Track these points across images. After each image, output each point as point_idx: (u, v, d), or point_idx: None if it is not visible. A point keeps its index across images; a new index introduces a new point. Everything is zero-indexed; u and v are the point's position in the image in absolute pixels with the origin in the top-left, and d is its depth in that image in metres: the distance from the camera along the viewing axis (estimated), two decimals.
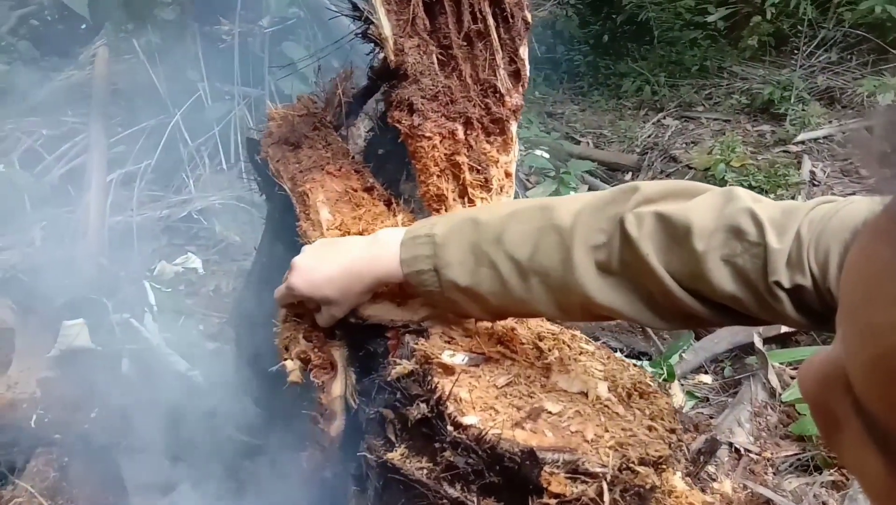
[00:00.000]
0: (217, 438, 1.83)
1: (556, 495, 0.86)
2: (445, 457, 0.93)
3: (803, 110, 5.25)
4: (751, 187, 4.56)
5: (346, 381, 1.18)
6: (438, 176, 1.14)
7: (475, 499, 0.92)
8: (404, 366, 1.02)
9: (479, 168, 1.14)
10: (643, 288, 0.91)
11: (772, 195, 4.51)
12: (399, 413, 1.02)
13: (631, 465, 0.90)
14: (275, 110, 1.54)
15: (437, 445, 0.94)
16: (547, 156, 3.72)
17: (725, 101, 5.87)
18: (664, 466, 0.97)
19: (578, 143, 5.28)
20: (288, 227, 1.48)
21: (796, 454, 2.39)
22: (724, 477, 2.19)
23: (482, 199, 1.15)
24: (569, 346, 1.16)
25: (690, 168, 4.89)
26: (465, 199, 1.16)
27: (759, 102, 5.53)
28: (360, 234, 1.21)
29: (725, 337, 2.98)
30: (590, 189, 4.32)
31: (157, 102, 3.74)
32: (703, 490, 1.67)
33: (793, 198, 4.49)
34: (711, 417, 2.61)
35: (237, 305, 1.87)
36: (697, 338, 2.95)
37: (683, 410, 2.53)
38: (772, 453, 2.39)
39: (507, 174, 1.16)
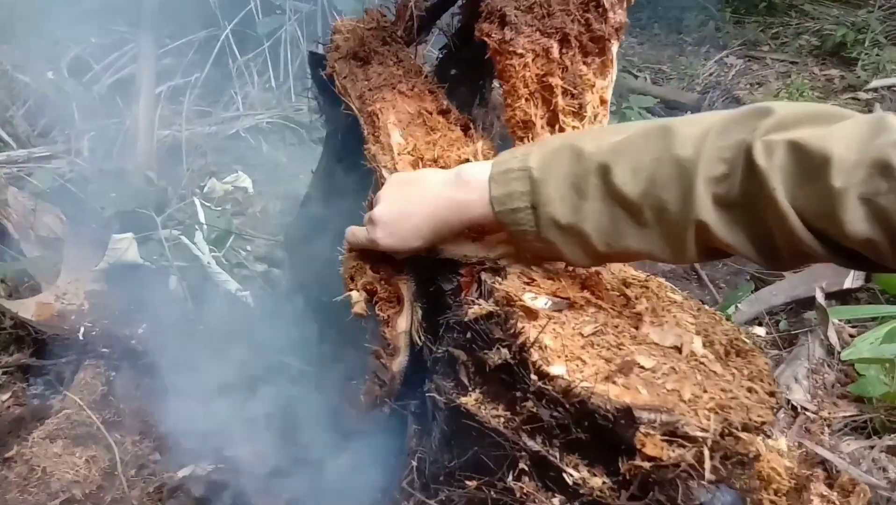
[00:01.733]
0: (266, 362, 1.80)
1: (651, 458, 0.79)
2: (527, 407, 0.86)
3: (878, 55, 4.93)
4: None
5: (413, 316, 1.11)
6: (527, 99, 1.03)
7: (557, 454, 0.85)
8: (483, 306, 0.94)
9: (574, 92, 1.02)
10: (762, 225, 0.80)
11: None
12: (475, 356, 0.95)
13: (734, 430, 0.82)
14: (341, 23, 1.42)
15: (518, 393, 0.87)
16: None
17: (793, 41, 5.54)
18: (766, 432, 0.88)
19: (636, 77, 5.05)
20: (350, 149, 1.39)
21: (854, 416, 2.30)
22: (779, 434, 2.11)
23: (573, 127, 1.04)
24: (657, 294, 1.06)
25: None
26: (556, 128, 1.05)
27: (829, 44, 5.20)
28: (435, 160, 1.11)
29: (784, 289, 2.86)
30: None
31: (207, 14, 3.62)
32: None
33: None
34: None
35: (290, 229, 1.81)
36: (755, 289, 2.83)
37: None
38: (829, 413, 2.30)
39: (603, 101, 1.04)
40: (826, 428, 2.25)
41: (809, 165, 0.75)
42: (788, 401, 2.29)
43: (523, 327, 0.89)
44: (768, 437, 0.88)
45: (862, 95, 4.81)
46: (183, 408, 1.78)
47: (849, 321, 2.71)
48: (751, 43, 5.53)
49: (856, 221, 0.73)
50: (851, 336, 2.65)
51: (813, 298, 2.70)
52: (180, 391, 1.81)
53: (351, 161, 1.36)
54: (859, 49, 4.91)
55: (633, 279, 1.09)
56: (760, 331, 2.84)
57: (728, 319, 2.52)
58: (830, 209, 0.74)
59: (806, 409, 2.30)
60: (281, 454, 1.56)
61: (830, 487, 1.94)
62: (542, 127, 1.04)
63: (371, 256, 1.10)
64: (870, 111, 4.59)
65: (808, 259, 0.81)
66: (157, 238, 2.18)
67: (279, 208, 2.82)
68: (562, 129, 1.05)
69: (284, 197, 2.94)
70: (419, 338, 1.11)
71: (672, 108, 4.60)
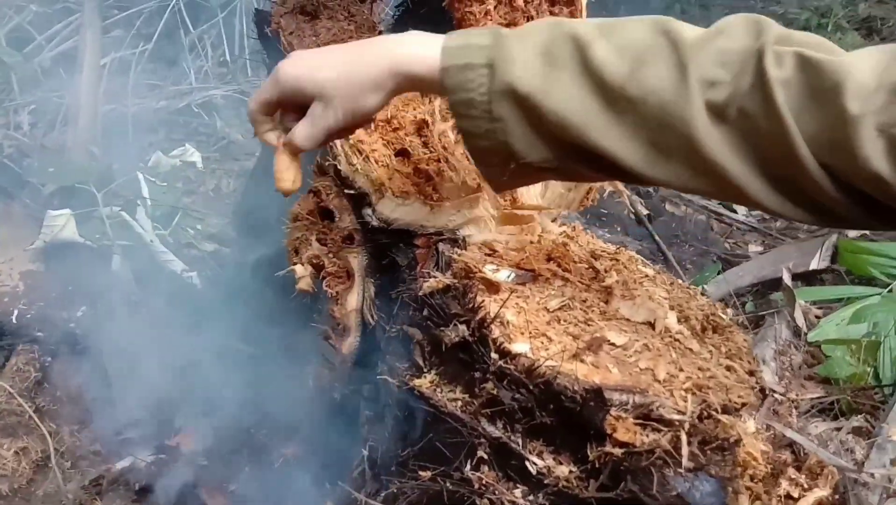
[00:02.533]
0: (212, 345, 1.68)
1: (623, 444, 0.71)
2: (486, 389, 0.77)
3: (840, 38, 4.96)
4: None
5: (364, 293, 1.01)
6: None
7: (520, 440, 0.77)
8: (439, 279, 0.85)
9: None
10: (759, 148, 0.68)
11: None
12: (430, 334, 0.86)
13: (713, 412, 0.74)
14: None
15: (477, 374, 0.78)
16: None
17: None
18: (746, 415, 0.81)
19: None
20: None
21: (821, 397, 2.27)
22: (748, 417, 2.07)
23: None
24: (627, 267, 0.98)
25: None
26: None
27: (793, 28, 5.22)
28: (388, 121, 1.01)
29: (751, 270, 2.83)
30: None
31: None
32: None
33: None
34: None
35: (238, 205, 1.69)
36: (722, 270, 2.80)
37: None
38: (796, 395, 2.27)
39: None
40: (794, 410, 2.22)
41: (821, 85, 0.65)
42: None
43: (483, 301, 0.80)
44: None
45: None
46: (124, 395, 1.66)
47: (815, 302, 2.69)
48: None
49: (871, 153, 0.63)
50: (818, 317, 2.63)
51: (779, 280, 2.67)
52: (121, 377, 1.69)
53: None
54: (822, 33, 4.93)
55: (603, 251, 1.01)
56: (728, 313, 2.81)
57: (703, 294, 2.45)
58: (843, 138, 0.63)
59: (774, 391, 2.27)
60: (227, 442, 1.46)
61: (798, 469, 1.90)
62: None
63: (318, 225, 1.00)
64: None
65: (809, 203, 0.70)
66: (99, 216, 2.04)
67: (233, 186, 2.69)
68: None
69: (239, 174, 2.80)
70: (371, 316, 1.02)
71: None
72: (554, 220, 1.08)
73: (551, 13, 0.94)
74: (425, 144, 0.98)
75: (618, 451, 0.71)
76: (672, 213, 3.26)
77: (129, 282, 1.92)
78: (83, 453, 1.65)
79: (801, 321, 2.59)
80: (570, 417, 0.74)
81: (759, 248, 3.08)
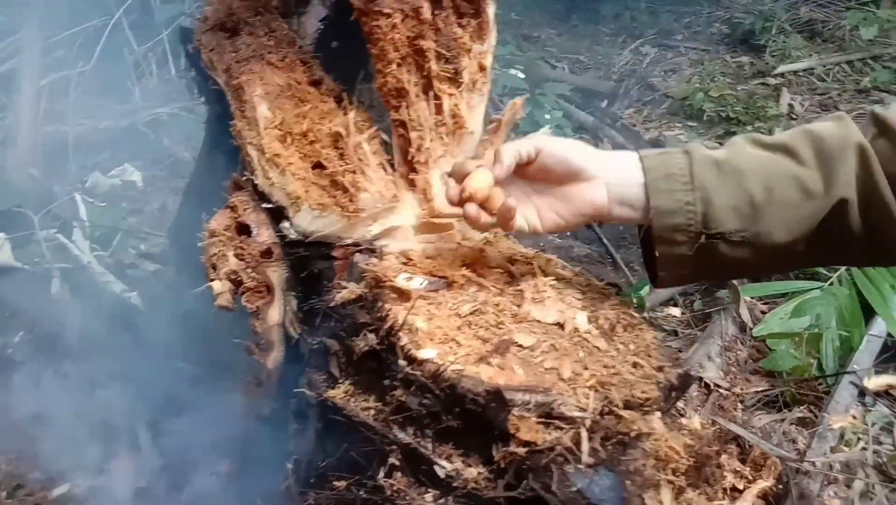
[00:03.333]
0: (152, 365, 1.66)
1: (526, 443, 0.73)
2: (396, 396, 0.78)
3: (784, 42, 5.11)
4: (728, 119, 4.45)
5: (285, 307, 1.02)
6: (399, 65, 0.96)
7: (430, 445, 0.78)
8: (351, 290, 0.86)
9: (448, 56, 0.95)
10: None
11: (749, 127, 4.39)
12: (344, 344, 0.87)
13: (614, 408, 0.76)
14: None
15: (386, 382, 0.79)
16: (522, 76, 3.50)
17: (705, 29, 5.69)
18: (651, 409, 0.83)
19: (555, 67, 5.07)
20: (228, 132, 1.28)
21: (766, 390, 2.32)
22: (692, 413, 2.11)
23: (450, 94, 0.97)
24: (544, 271, 1.00)
25: (668, 97, 4.75)
26: (430, 95, 0.98)
27: (739, 32, 5.37)
28: (304, 134, 1.02)
29: None
30: (565, 115, 4.13)
31: (100, 2, 3.40)
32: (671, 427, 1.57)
33: (770, 131, 4.38)
34: (680, 351, 2.52)
35: (175, 221, 1.68)
36: None
37: None
38: (741, 389, 2.32)
39: (482, 67, 0.98)
40: (739, 404, 2.27)
41: None
42: (702, 379, 2.29)
43: (390, 310, 0.81)
44: (650, 413, 0.82)
45: (770, 81, 4.95)
46: (63, 420, 1.63)
47: (760, 298, 2.75)
48: (665, 32, 5.64)
49: None
50: (763, 312, 2.69)
51: None
52: (60, 403, 1.66)
53: (229, 146, 1.25)
54: (767, 36, 5.07)
55: (520, 256, 1.03)
56: (675, 311, 2.86)
57: (635, 297, 2.49)
58: None
59: (719, 386, 2.31)
60: (165, 463, 1.44)
61: (743, 462, 1.94)
62: (417, 95, 0.97)
63: (235, 240, 1.00)
64: (778, 95, 4.74)
65: None
66: (37, 239, 2.01)
67: (179, 204, 2.66)
68: (437, 98, 0.97)
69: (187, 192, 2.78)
70: (294, 330, 1.02)
71: (589, 96, 4.62)
72: None
73: (459, 26, 0.97)
74: (341, 157, 0.99)
75: (521, 450, 0.73)
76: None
77: (67, 305, 1.89)
78: (21, 481, 1.62)
79: (746, 317, 2.65)
80: (476, 420, 0.75)
81: None
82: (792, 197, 0.83)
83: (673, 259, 0.87)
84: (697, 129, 4.40)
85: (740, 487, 1.85)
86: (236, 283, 1.00)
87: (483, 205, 0.84)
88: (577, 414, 0.74)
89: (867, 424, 2.21)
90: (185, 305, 1.66)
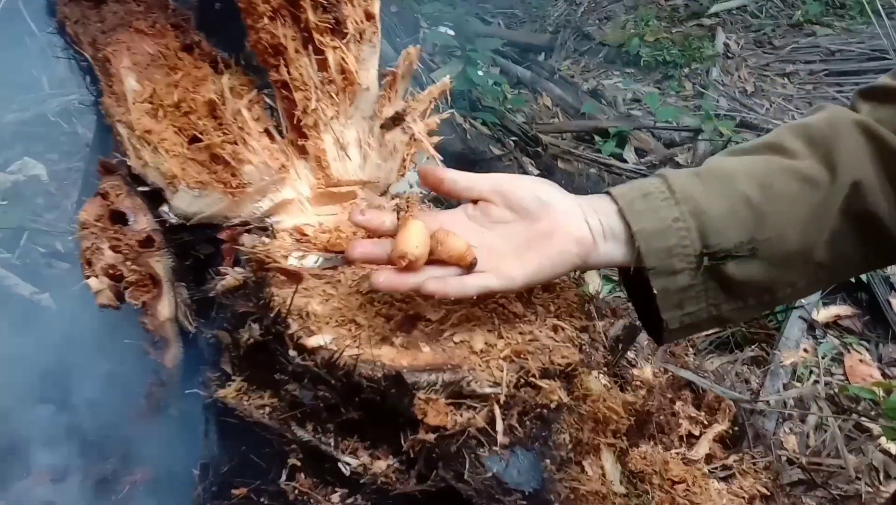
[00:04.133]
0: (66, 367, 1.54)
1: (435, 428, 0.65)
2: (289, 391, 0.70)
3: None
4: (665, 62, 4.41)
5: (176, 299, 0.91)
6: (271, 18, 0.85)
7: (332, 441, 0.69)
8: (233, 276, 0.76)
9: (327, 5, 0.85)
10: None
11: (686, 69, 4.35)
12: (234, 337, 0.78)
13: (531, 378, 0.69)
14: None
15: (277, 376, 0.71)
16: (452, 33, 3.37)
17: None
18: (575, 373, 0.76)
19: (489, 24, 4.94)
20: None
21: (717, 332, 2.31)
22: (643, 362, 2.08)
23: (334, 48, 0.87)
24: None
25: (604, 45, 4.68)
26: (310, 49, 0.87)
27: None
28: (177, 105, 0.91)
29: None
30: (502, 71, 4.03)
31: None
32: (622, 379, 1.53)
33: (707, 71, 4.35)
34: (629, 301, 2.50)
35: (75, 214, 1.55)
36: None
37: (600, 296, 2.40)
38: None
39: (369, 16, 0.88)
40: (690, 349, 2.25)
41: None
42: None
43: (276, 295, 0.72)
44: (575, 377, 0.75)
45: (705, 21, 4.93)
46: None
47: None
48: None
49: None
50: None
51: None
52: None
53: None
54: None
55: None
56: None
57: None
58: None
59: None
60: (81, 475, 1.34)
61: (698, 407, 1.92)
62: (297, 51, 0.86)
63: (109, 230, 0.89)
64: (713, 36, 4.71)
65: None
66: None
67: (78, 195, 2.49)
68: (320, 52, 0.87)
69: None
70: (189, 323, 0.93)
71: (525, 50, 4.52)
72: (383, 194, 1.01)
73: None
74: (220, 127, 0.89)
75: (430, 436, 0.65)
76: (564, 171, 3.25)
77: None
78: None
79: None
80: (379, 408, 0.67)
81: None
82: (793, 190, 0.70)
83: (676, 295, 0.70)
84: (635, 75, 4.35)
85: (696, 432, 1.81)
86: (116, 278, 0.90)
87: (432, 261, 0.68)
88: (489, 390, 0.67)
89: (818, 357, 2.21)
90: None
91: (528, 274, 0.69)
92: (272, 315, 0.71)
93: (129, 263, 0.89)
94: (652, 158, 3.45)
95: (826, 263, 0.72)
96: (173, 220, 0.87)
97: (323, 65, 0.89)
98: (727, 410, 1.79)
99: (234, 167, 0.86)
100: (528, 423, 0.67)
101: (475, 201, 0.74)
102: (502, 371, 0.68)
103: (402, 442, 0.67)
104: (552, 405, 0.68)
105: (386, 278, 0.67)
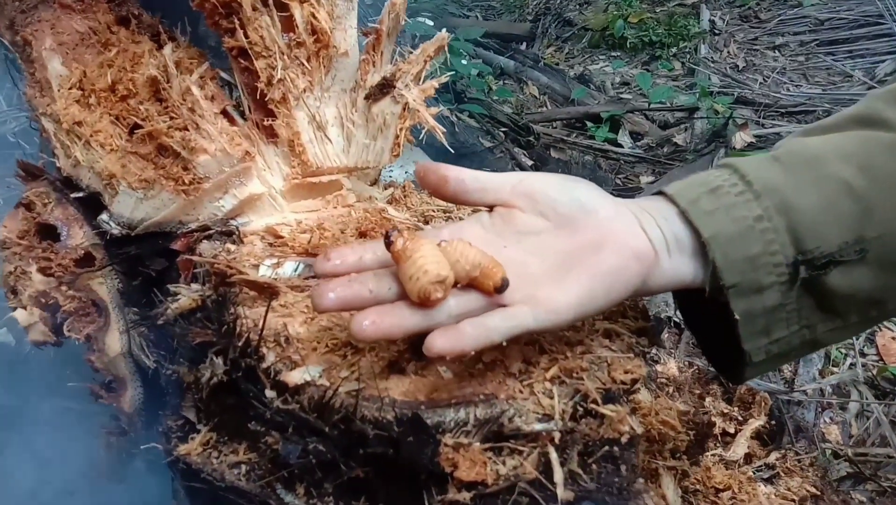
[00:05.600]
0: (31, 408, 1.37)
1: (471, 485, 0.47)
2: (269, 445, 0.52)
3: None
4: (651, 43, 4.27)
5: (128, 328, 0.73)
6: None
7: None
8: (188, 295, 0.58)
9: None
10: None
11: (674, 48, 4.22)
12: (196, 375, 0.60)
13: (592, 405, 0.52)
14: None
15: (252, 426, 0.53)
16: (431, 22, 3.21)
17: None
18: (637, 391, 0.59)
19: (467, 17, 4.80)
20: None
21: None
22: (666, 357, 1.91)
23: (302, 2, 0.70)
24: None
25: (587, 29, 4.54)
26: (272, 6, 0.69)
27: None
28: (112, 88, 0.73)
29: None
30: (484, 63, 3.87)
31: None
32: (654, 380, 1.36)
33: (695, 49, 4.23)
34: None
35: None
36: None
37: None
38: None
39: None
40: None
41: None
42: (670, 318, 2.10)
43: (242, 317, 0.54)
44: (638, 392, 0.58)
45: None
46: None
47: None
48: None
49: None
50: None
51: None
52: None
53: None
54: None
55: (436, 212, 0.77)
56: None
57: None
58: None
59: None
60: None
61: (729, 401, 1.74)
62: (255, 8, 0.69)
63: (37, 249, 0.71)
64: (698, 13, 4.58)
65: None
66: None
67: None
68: (283, 7, 0.69)
69: None
70: (146, 357, 0.75)
71: (507, 40, 4.38)
72: (374, 183, 0.83)
73: None
74: (166, 110, 0.71)
75: (465, 496, 0.48)
76: (558, 160, 3.09)
77: None
78: None
79: None
80: (391, 461, 0.49)
81: (651, 178, 2.95)
82: None
83: (763, 318, 0.54)
84: (622, 57, 4.20)
85: (731, 430, 1.63)
86: (51, 307, 0.72)
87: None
88: (539, 427, 0.49)
89: (851, 338, 2.06)
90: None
91: (576, 302, 0.50)
92: (240, 344, 0.53)
93: (64, 287, 0.71)
94: (648, 141, 3.31)
95: None
96: (115, 230, 0.69)
97: (289, 24, 0.71)
98: (762, 404, 1.63)
99: (186, 158, 0.68)
100: (594, 466, 0.50)
101: (491, 208, 0.55)
102: (552, 398, 0.51)
103: (427, 503, 0.49)
104: (623, 439, 0.51)
105: (373, 322, 0.47)
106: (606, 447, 0.51)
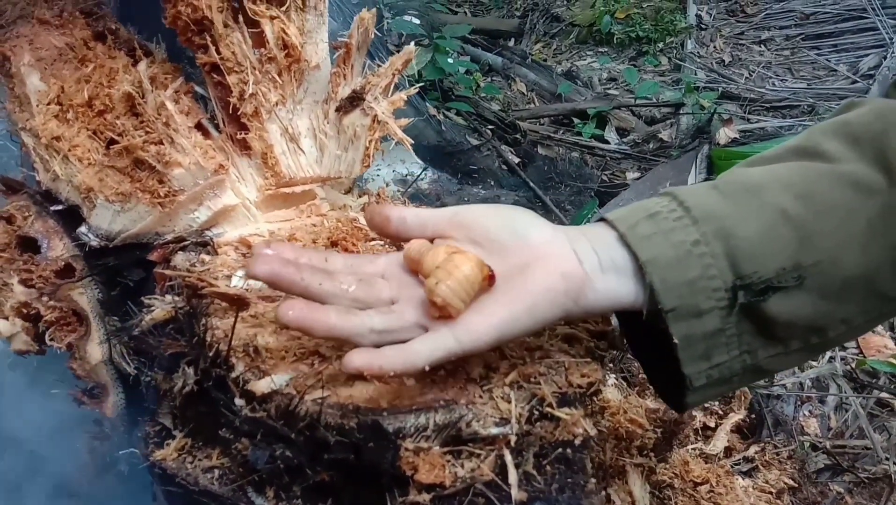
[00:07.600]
0: (23, 416, 1.38)
1: (430, 487, 0.50)
2: (240, 451, 0.54)
3: None
4: (639, 38, 4.29)
5: (108, 336, 0.76)
6: None
7: None
8: (161, 307, 0.61)
9: None
10: None
11: (660, 44, 4.24)
12: (170, 383, 0.62)
13: (547, 408, 0.54)
14: None
15: (223, 433, 0.55)
16: (417, 21, 3.22)
17: None
18: (597, 394, 0.62)
19: (455, 13, 4.81)
20: None
21: None
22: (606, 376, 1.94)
23: (272, 17, 0.72)
24: None
25: (574, 25, 4.56)
26: (241, 21, 0.71)
27: None
28: (88, 104, 0.75)
29: (629, 198, 2.73)
30: (472, 60, 3.89)
31: None
32: (629, 379, 1.39)
33: (682, 44, 4.25)
34: None
35: None
36: (601, 204, 2.67)
37: None
38: None
39: None
40: None
41: None
42: None
43: (212, 328, 0.57)
44: (598, 392, 0.61)
45: None
46: None
47: None
48: None
49: None
50: None
51: None
52: None
53: None
54: None
55: None
56: None
57: None
58: None
59: None
60: None
61: None
62: (227, 24, 0.71)
63: (18, 261, 0.73)
64: (685, 8, 4.59)
65: None
66: None
67: None
68: (254, 24, 0.72)
69: None
70: (127, 364, 0.77)
71: (493, 36, 4.39)
72: (349, 191, 0.86)
73: None
74: (142, 125, 0.73)
75: (425, 497, 0.50)
76: (545, 157, 3.12)
77: None
78: None
79: None
80: (354, 465, 0.52)
81: (637, 175, 2.98)
82: (842, 197, 0.55)
83: (702, 343, 0.54)
84: (609, 53, 4.23)
85: (711, 424, 1.67)
86: (33, 317, 0.74)
87: None
88: (495, 430, 0.52)
89: (794, 368, 2.08)
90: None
91: (497, 325, 0.51)
92: (210, 354, 0.55)
93: (45, 298, 0.73)
94: (635, 137, 3.34)
95: (893, 290, 0.56)
96: (94, 242, 0.72)
97: (260, 40, 0.73)
98: (742, 398, 1.66)
99: (161, 172, 0.70)
100: (548, 467, 0.52)
101: (432, 240, 0.57)
102: (509, 402, 0.54)
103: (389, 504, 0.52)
104: (577, 441, 0.54)
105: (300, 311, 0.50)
106: (560, 449, 0.53)
